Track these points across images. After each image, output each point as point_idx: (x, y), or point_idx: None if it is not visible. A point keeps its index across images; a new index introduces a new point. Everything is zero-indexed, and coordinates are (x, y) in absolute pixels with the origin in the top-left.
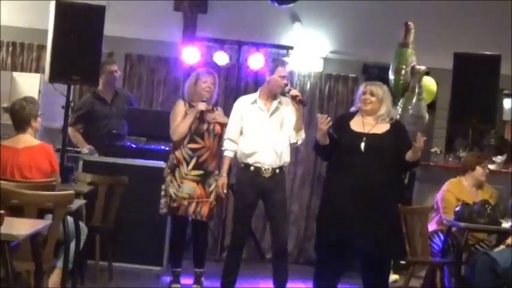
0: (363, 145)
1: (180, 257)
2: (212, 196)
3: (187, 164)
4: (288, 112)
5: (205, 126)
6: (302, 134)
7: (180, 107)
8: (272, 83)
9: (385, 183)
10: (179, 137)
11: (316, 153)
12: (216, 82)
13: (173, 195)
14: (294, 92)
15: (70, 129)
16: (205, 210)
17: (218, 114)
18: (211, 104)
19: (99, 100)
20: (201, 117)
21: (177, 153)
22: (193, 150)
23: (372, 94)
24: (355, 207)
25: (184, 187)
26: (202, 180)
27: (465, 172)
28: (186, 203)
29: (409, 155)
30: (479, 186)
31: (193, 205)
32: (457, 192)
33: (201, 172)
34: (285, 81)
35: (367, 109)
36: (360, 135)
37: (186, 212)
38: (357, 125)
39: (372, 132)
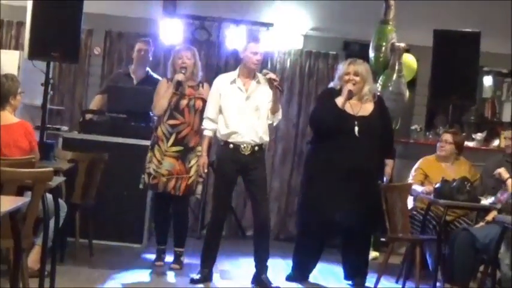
0: (356, 129)
1: (165, 234)
2: (192, 172)
3: (167, 140)
4: (267, 91)
5: (185, 102)
6: (278, 115)
7: (162, 85)
8: (245, 61)
9: (374, 164)
10: (160, 110)
11: (315, 123)
12: (196, 57)
13: (152, 172)
14: (271, 75)
15: (96, 96)
16: (184, 186)
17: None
18: (197, 80)
19: (126, 76)
20: (181, 92)
21: (158, 130)
22: (172, 126)
23: (357, 74)
24: (345, 187)
25: (164, 163)
26: (182, 156)
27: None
28: (165, 179)
29: None
30: (452, 161)
31: (172, 181)
32: (427, 169)
33: (180, 148)
34: (257, 57)
35: (352, 89)
36: (351, 118)
37: (165, 188)
38: (344, 105)
39: (360, 114)
